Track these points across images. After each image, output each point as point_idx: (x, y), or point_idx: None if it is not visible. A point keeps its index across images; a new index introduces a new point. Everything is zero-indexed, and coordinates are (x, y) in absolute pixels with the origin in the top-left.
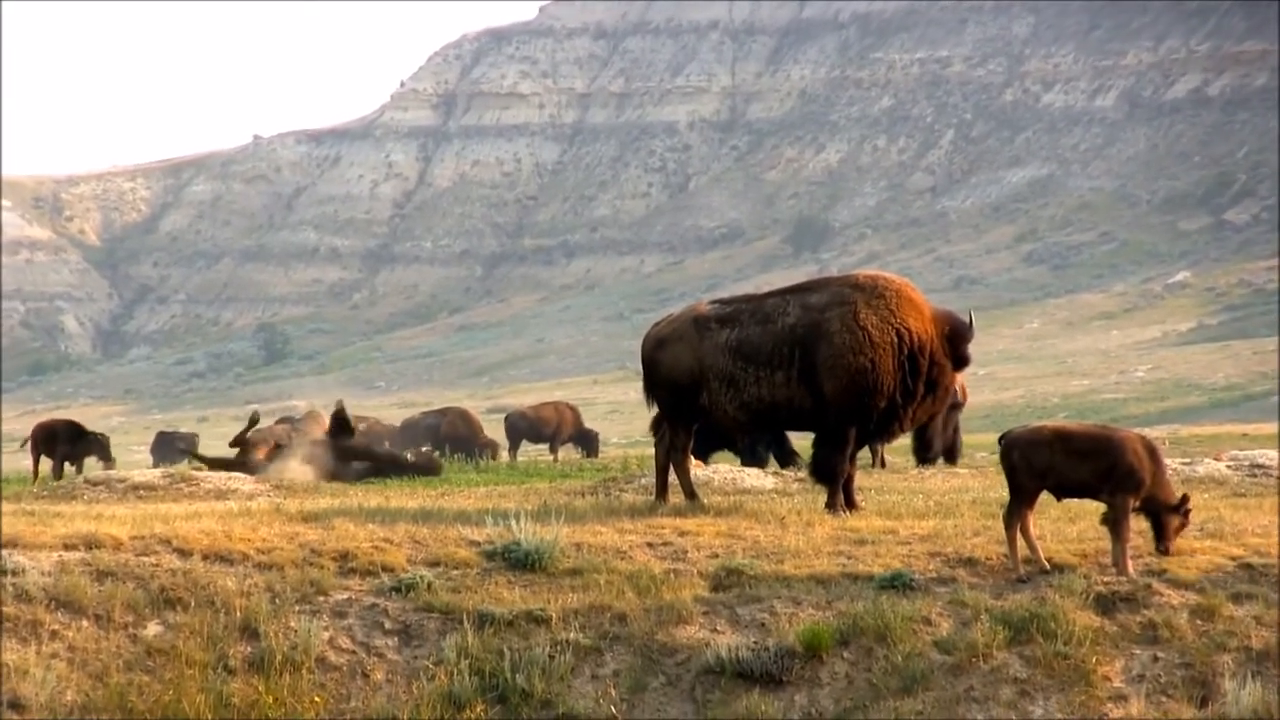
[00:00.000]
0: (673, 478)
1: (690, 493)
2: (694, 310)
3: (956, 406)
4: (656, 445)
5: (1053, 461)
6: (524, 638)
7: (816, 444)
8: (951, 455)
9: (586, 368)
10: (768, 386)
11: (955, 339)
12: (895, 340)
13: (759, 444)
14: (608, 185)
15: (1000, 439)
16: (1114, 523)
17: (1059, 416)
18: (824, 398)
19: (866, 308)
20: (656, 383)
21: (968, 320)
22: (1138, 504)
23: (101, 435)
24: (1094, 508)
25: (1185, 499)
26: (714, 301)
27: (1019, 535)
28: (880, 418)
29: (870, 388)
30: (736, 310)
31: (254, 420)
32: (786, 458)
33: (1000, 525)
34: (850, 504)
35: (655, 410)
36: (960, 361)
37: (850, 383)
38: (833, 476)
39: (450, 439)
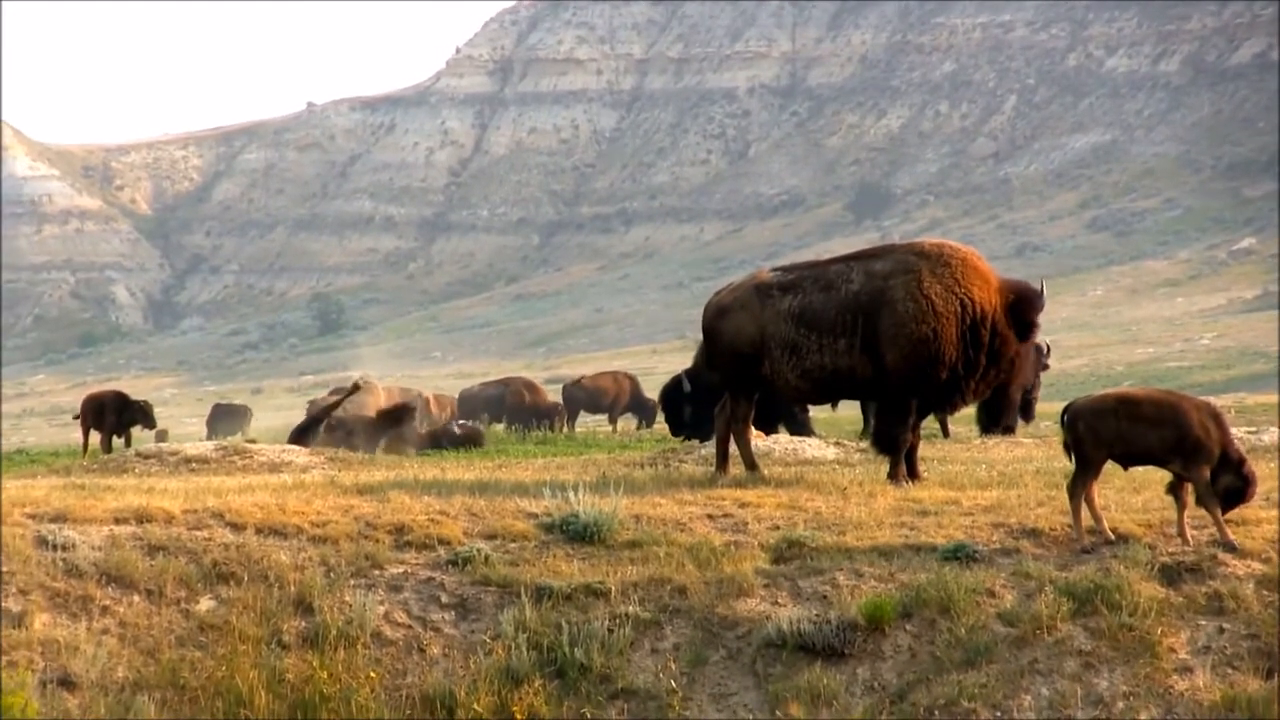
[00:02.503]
0: (734, 448)
1: (751, 463)
2: (756, 278)
3: (1043, 367)
4: (717, 416)
5: (1119, 430)
6: (582, 611)
7: (878, 414)
8: (1028, 412)
9: (645, 337)
10: (830, 354)
11: (1023, 309)
12: (959, 310)
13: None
14: (666, 152)
15: (1064, 410)
16: (1199, 497)
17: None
18: (885, 367)
19: (931, 276)
20: (718, 351)
21: (1038, 289)
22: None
23: (144, 402)
24: (1159, 477)
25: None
26: (776, 269)
27: (1083, 505)
28: (942, 389)
29: (932, 358)
30: (799, 277)
31: (355, 388)
32: (799, 429)
33: (1063, 496)
34: (913, 474)
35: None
36: (1025, 331)
37: (912, 352)
38: (894, 447)
39: (514, 409)
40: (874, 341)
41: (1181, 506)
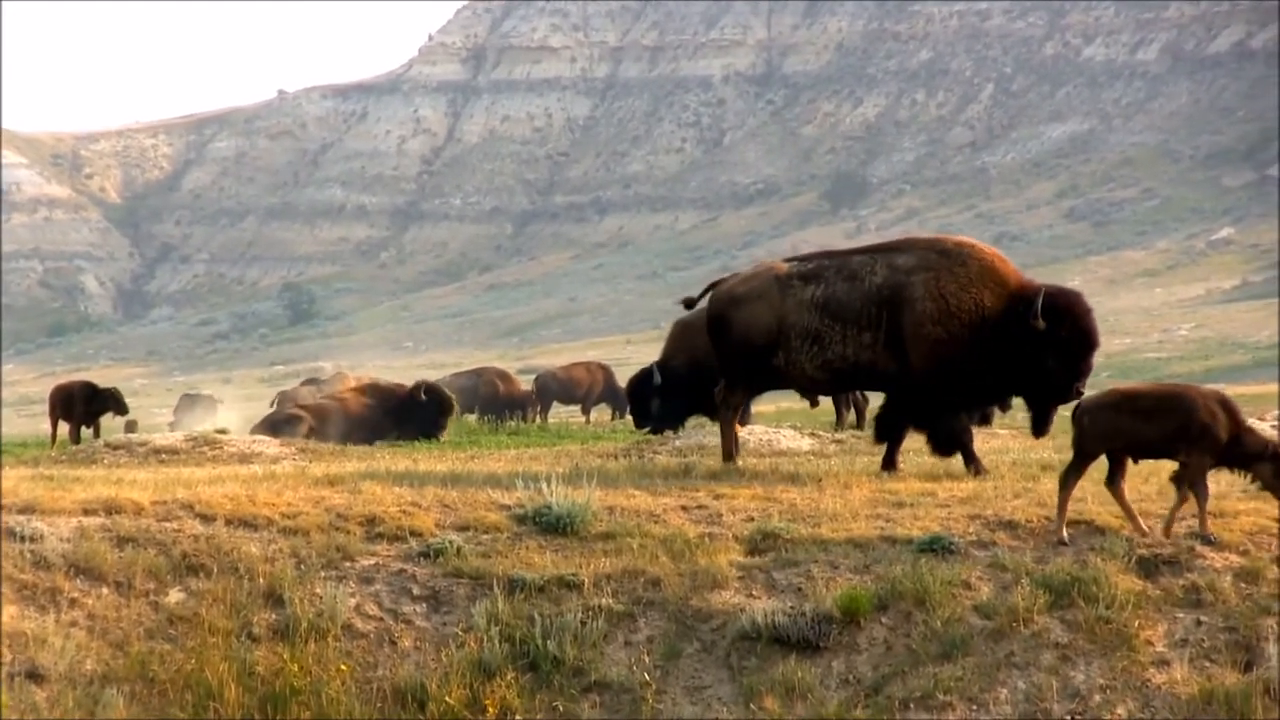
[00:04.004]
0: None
1: (730, 454)
2: (772, 268)
3: None
4: (720, 405)
5: (1120, 424)
6: (555, 603)
7: (918, 415)
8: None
9: (619, 327)
10: (854, 346)
11: (1052, 318)
12: (972, 311)
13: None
14: (641, 141)
15: (1074, 407)
16: (1190, 483)
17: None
18: (910, 366)
19: (948, 275)
20: (728, 341)
21: (1068, 295)
22: (1214, 461)
23: (114, 389)
24: (1142, 469)
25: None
26: (790, 259)
27: (1066, 500)
28: (963, 391)
29: (949, 360)
30: (820, 267)
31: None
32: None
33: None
34: (891, 465)
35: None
36: (1065, 344)
37: (930, 353)
38: (958, 444)
39: (487, 400)
40: (898, 338)
41: (1183, 499)
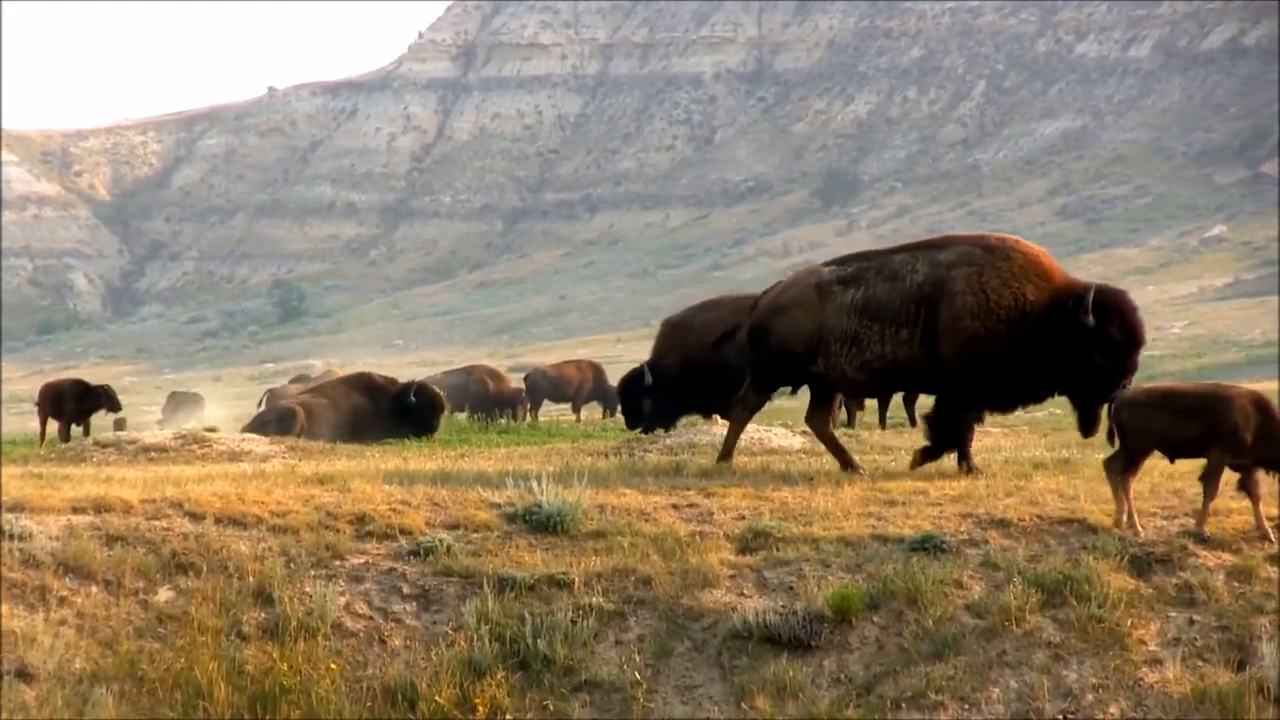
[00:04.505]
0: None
1: (728, 454)
2: (813, 275)
3: None
4: (738, 405)
5: (1161, 422)
6: (546, 602)
7: (937, 404)
8: None
9: (610, 325)
10: (891, 345)
11: (1101, 316)
12: (1012, 307)
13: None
14: (631, 138)
15: (1109, 401)
16: (1205, 479)
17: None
18: (941, 360)
19: (991, 270)
20: (766, 350)
21: (1117, 296)
22: (1249, 462)
23: (106, 386)
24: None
25: None
26: (829, 264)
27: (1126, 491)
28: (997, 387)
29: (983, 355)
30: (860, 269)
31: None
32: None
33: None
34: (968, 466)
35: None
36: (1112, 341)
37: (965, 347)
38: (952, 440)
39: (477, 398)
40: (932, 333)
41: (1256, 500)
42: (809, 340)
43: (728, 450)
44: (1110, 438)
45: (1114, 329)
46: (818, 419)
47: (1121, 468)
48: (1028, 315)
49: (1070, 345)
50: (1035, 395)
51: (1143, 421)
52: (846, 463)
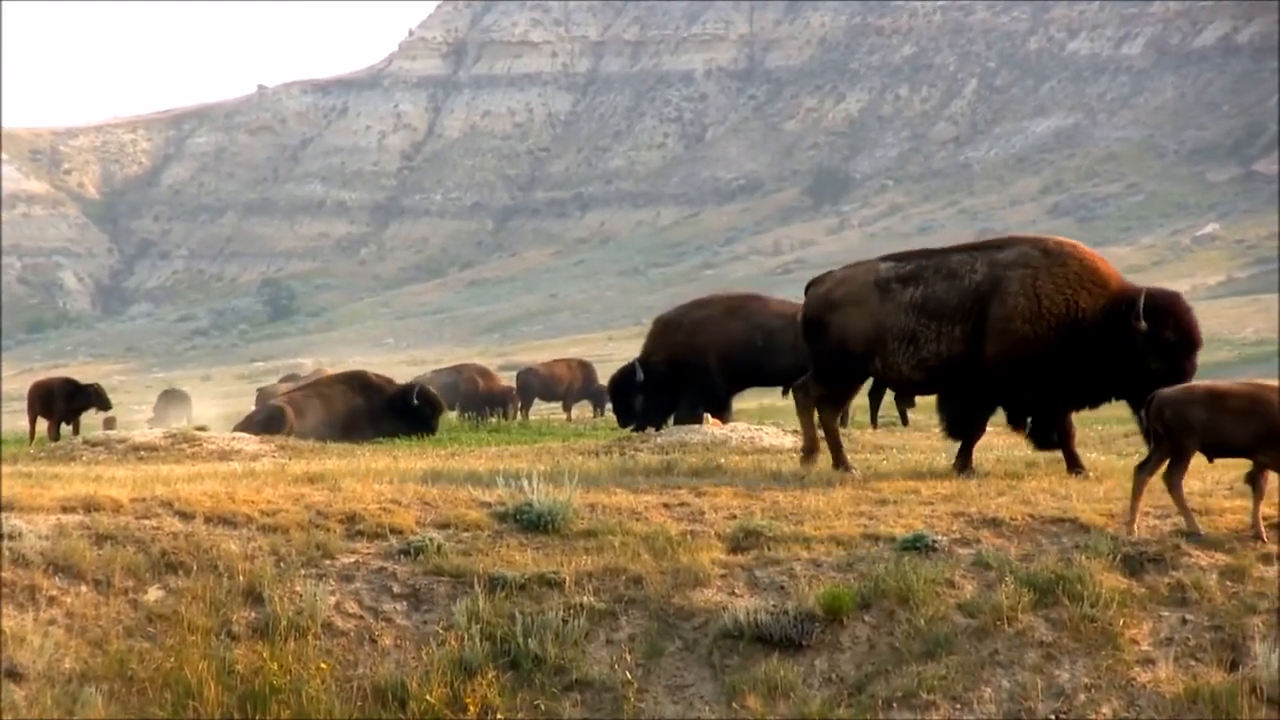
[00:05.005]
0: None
1: (840, 460)
2: (870, 271)
3: None
4: (800, 397)
5: (1208, 421)
6: (536, 602)
7: (963, 400)
8: None
9: (601, 323)
10: (947, 343)
11: (1154, 319)
12: (1063, 313)
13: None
14: (622, 136)
15: (1148, 399)
16: (1252, 479)
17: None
18: (983, 357)
19: (1046, 274)
20: (824, 346)
21: (1170, 299)
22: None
23: (96, 385)
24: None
25: None
26: (887, 259)
27: (1178, 497)
28: (1046, 390)
29: (1028, 358)
30: (919, 268)
31: None
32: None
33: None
34: (1076, 466)
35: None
36: (1168, 344)
37: (1011, 348)
38: (964, 433)
39: (468, 397)
40: (980, 331)
41: (1259, 498)
42: (865, 338)
43: (838, 458)
44: (1147, 438)
45: (1168, 332)
46: (830, 412)
47: (1154, 469)
48: (1080, 321)
49: (1124, 350)
50: (1091, 399)
51: (1187, 421)
52: (839, 460)
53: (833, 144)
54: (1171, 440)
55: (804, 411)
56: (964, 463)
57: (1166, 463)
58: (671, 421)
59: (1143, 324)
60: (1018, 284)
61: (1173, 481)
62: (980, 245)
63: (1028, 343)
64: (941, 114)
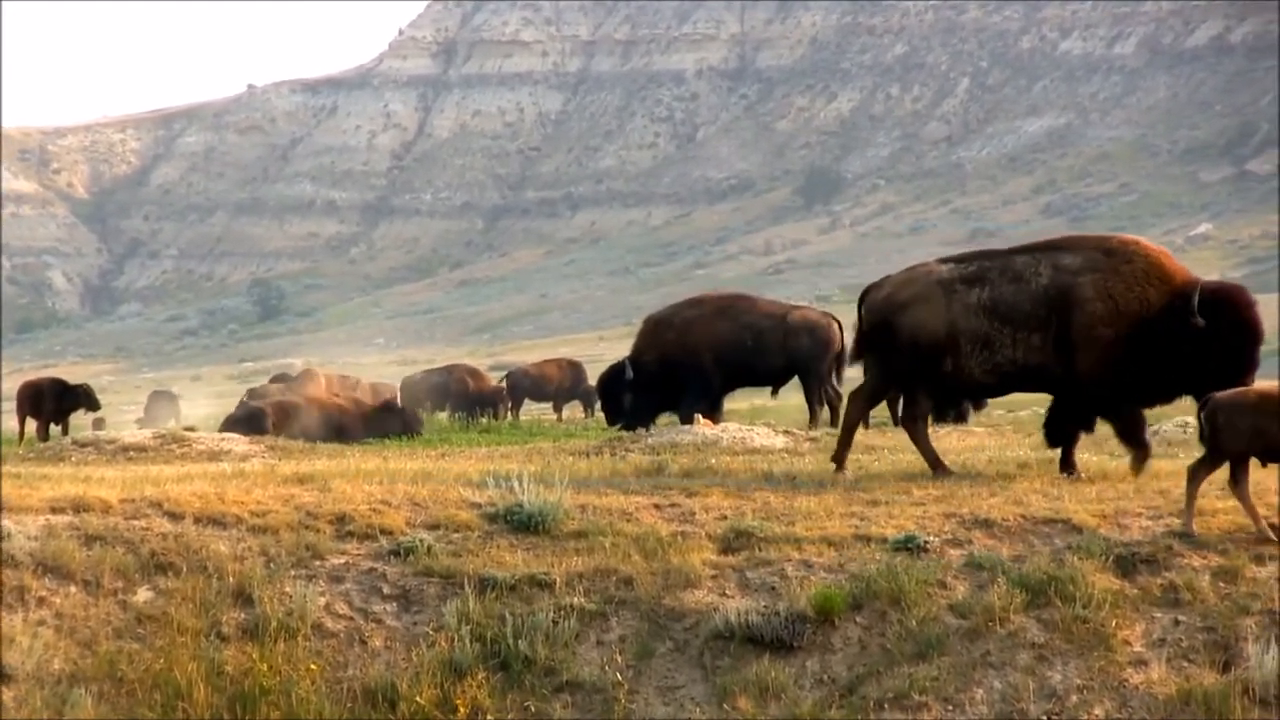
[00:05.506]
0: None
1: (935, 461)
2: (930, 271)
3: None
4: (851, 404)
5: (1261, 426)
6: (527, 603)
7: (1063, 407)
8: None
9: (591, 324)
10: (1023, 349)
11: (1212, 314)
12: (1137, 311)
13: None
14: (613, 135)
15: (1201, 404)
16: None
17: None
18: (1076, 367)
19: (1115, 275)
20: (894, 347)
21: (1229, 292)
22: None
23: (85, 385)
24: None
25: None
26: (944, 261)
27: (1244, 500)
28: (1125, 389)
29: (1116, 360)
30: (981, 269)
31: None
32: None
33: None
34: (1069, 467)
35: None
36: (1228, 340)
37: (1103, 354)
38: (1066, 439)
39: (458, 397)
40: (1066, 340)
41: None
42: (935, 337)
43: (931, 460)
44: (1201, 439)
45: (1227, 326)
46: (861, 406)
47: (1208, 471)
48: (1149, 318)
49: (1185, 345)
50: (1162, 396)
51: (1239, 424)
52: (841, 459)
53: (824, 144)
54: (1222, 444)
55: (849, 424)
56: (1068, 467)
57: (1246, 465)
58: (678, 421)
59: (1199, 320)
60: (1091, 289)
61: (1238, 487)
62: (1041, 246)
63: (1112, 346)
64: (933, 113)
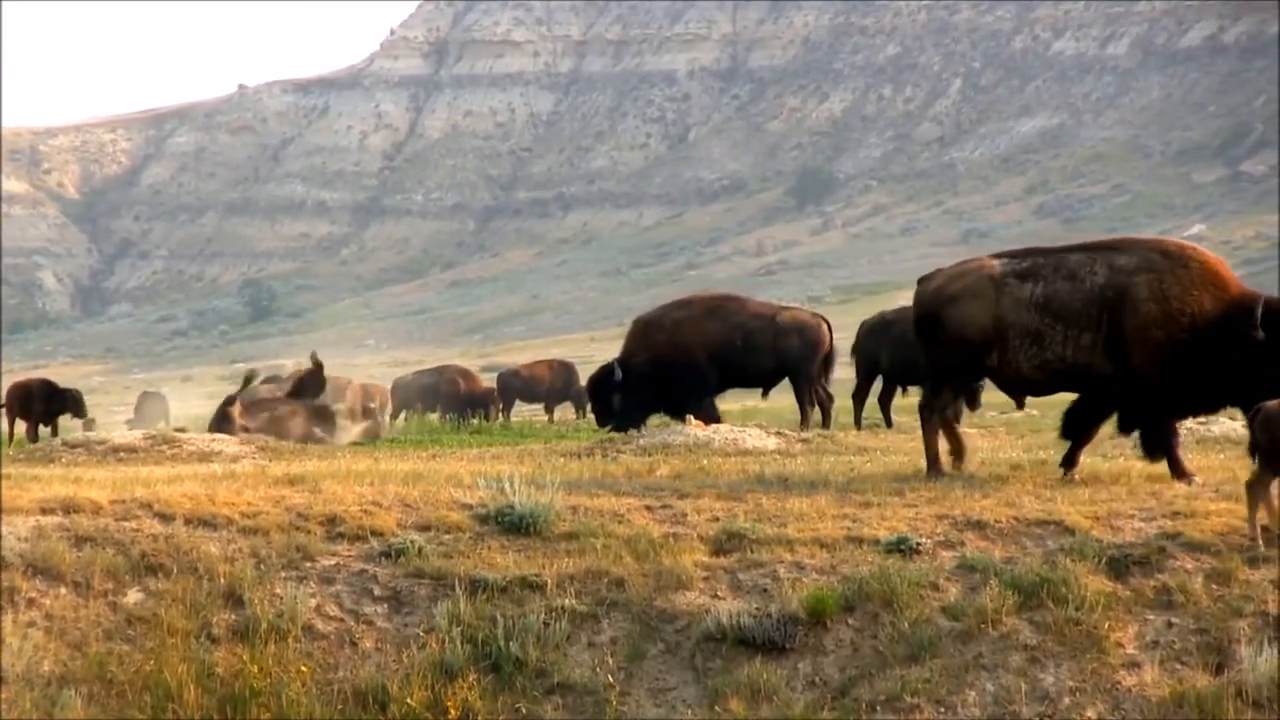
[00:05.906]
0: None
1: (959, 452)
2: (983, 266)
3: None
4: (924, 409)
5: None
6: (518, 604)
7: (1134, 416)
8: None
9: (583, 324)
10: (1073, 348)
11: (1273, 326)
12: (1191, 316)
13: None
14: (605, 136)
15: (1252, 412)
16: None
17: None
18: (1131, 368)
19: (1171, 278)
20: (941, 340)
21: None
22: None
23: (75, 390)
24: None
25: None
26: (999, 256)
27: (1256, 506)
28: (1177, 396)
29: (1166, 363)
30: (1035, 265)
31: (249, 379)
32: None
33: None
34: (1071, 464)
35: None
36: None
37: (1156, 356)
38: (1165, 445)
39: (449, 398)
40: (1119, 340)
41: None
42: (984, 331)
43: (957, 452)
44: (1252, 452)
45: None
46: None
47: (1266, 483)
48: (1202, 325)
49: (1236, 356)
50: (1208, 405)
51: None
52: (936, 465)
53: (816, 144)
54: (1268, 451)
55: (930, 430)
56: (1070, 464)
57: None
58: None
59: (1260, 333)
60: (1145, 290)
61: (1254, 488)
62: (1096, 246)
63: (1164, 348)
64: (926, 114)
